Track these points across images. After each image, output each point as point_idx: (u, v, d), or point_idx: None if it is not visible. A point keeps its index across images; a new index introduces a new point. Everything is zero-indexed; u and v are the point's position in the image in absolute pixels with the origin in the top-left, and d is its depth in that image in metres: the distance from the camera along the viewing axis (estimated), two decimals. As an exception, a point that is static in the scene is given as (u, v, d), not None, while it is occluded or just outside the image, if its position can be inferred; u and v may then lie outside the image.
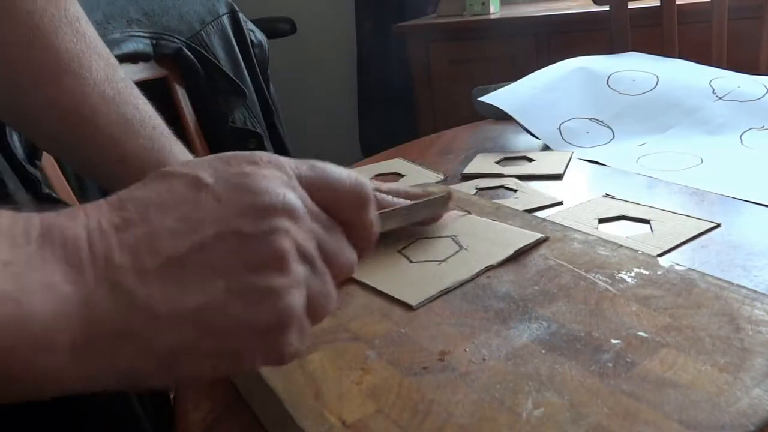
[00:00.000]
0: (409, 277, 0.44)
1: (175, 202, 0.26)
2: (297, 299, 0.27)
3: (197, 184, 0.27)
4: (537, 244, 0.46)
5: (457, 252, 0.47)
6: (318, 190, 0.30)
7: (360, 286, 0.44)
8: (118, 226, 0.25)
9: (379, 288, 0.43)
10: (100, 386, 0.25)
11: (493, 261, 0.44)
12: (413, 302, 0.41)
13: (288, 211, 0.27)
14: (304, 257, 0.28)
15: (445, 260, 0.46)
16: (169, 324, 0.24)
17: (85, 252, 0.24)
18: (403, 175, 0.74)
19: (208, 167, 0.28)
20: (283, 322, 0.27)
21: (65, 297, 0.23)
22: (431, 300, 0.41)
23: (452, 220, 0.52)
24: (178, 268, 0.25)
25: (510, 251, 0.45)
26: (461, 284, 0.42)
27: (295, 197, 0.28)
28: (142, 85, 0.97)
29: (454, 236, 0.49)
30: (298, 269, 0.27)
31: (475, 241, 0.48)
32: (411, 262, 0.46)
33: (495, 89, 0.87)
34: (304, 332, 0.28)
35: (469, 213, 0.53)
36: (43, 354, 0.23)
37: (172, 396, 0.75)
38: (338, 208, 0.31)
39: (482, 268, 0.44)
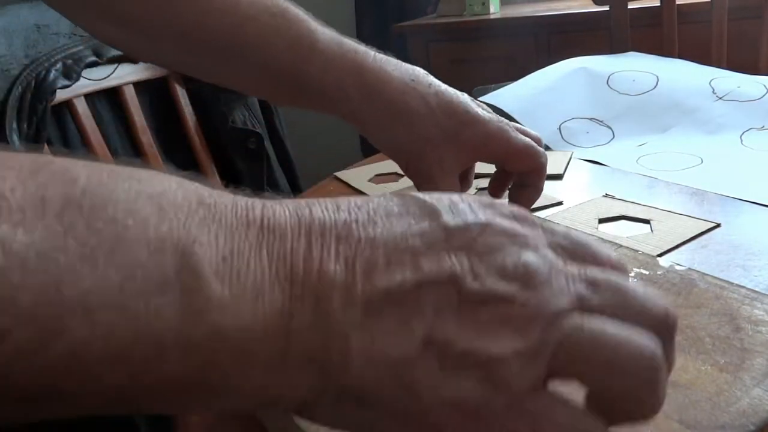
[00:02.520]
0: None
1: (405, 230, 0.23)
2: (519, 378, 0.21)
3: (437, 220, 0.23)
4: None
5: None
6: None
7: None
8: (340, 235, 0.22)
9: None
10: (268, 404, 0.21)
11: None
12: None
13: (523, 276, 0.22)
14: (550, 321, 0.22)
15: None
16: (358, 364, 0.21)
17: (291, 258, 0.21)
18: (403, 175, 0.74)
19: (454, 207, 0.24)
20: (483, 409, 0.21)
21: (270, 306, 0.20)
22: None
23: None
24: (385, 303, 0.21)
25: None
26: None
27: (535, 258, 0.23)
28: (142, 85, 0.97)
29: None
30: (534, 336, 0.22)
31: None
32: None
33: (495, 89, 0.87)
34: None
35: None
36: (231, 367, 0.20)
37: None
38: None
39: None
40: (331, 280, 0.21)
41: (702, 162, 0.68)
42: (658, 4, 1.27)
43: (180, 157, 1.03)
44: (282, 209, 0.22)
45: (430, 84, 0.51)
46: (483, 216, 0.24)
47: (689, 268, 0.40)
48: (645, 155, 0.71)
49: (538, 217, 0.27)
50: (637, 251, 0.44)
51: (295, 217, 0.22)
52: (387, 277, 0.21)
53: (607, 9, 1.28)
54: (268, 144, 1.12)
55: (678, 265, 0.41)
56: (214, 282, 0.19)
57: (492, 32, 1.72)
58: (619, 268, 0.25)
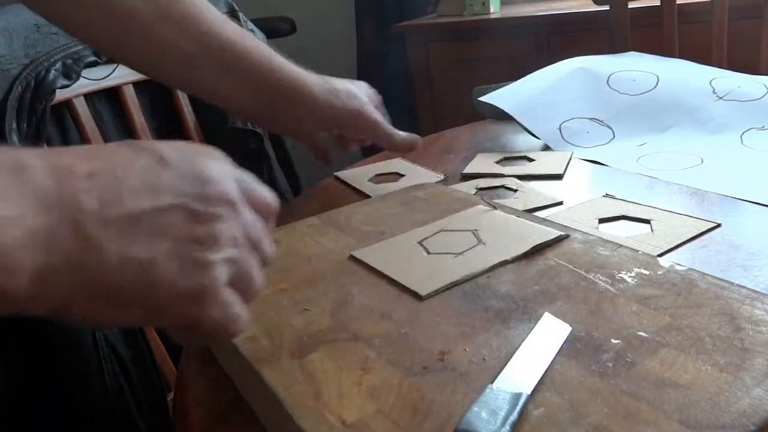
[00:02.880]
0: (424, 268, 0.44)
1: (141, 169, 0.30)
2: (221, 275, 0.31)
3: (162, 160, 0.31)
4: (556, 241, 0.46)
5: (475, 246, 0.47)
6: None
7: (374, 273, 0.45)
8: (88, 174, 0.29)
9: (392, 276, 0.44)
10: (46, 310, 0.28)
11: (508, 256, 0.45)
12: (423, 292, 0.41)
13: (230, 203, 0.33)
14: (235, 242, 0.32)
15: (461, 253, 0.46)
16: (116, 268, 0.28)
17: (54, 191, 0.27)
18: (403, 175, 0.74)
19: (174, 150, 0.32)
20: (204, 292, 0.30)
21: (32, 230, 0.26)
22: (441, 291, 0.41)
23: (477, 214, 0.53)
24: (135, 223, 0.29)
25: (526, 247, 0.45)
26: (473, 277, 0.43)
27: (237, 192, 0.33)
28: (142, 84, 0.97)
29: (476, 230, 0.49)
30: (228, 252, 0.32)
31: (495, 235, 0.48)
32: (428, 253, 0.47)
33: (495, 89, 0.87)
34: (227, 306, 0.32)
35: (495, 208, 0.53)
36: (7, 277, 0.26)
37: (170, 397, 0.75)
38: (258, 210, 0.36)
39: (496, 262, 0.44)
40: (85, 208, 0.28)
41: (702, 162, 0.68)
42: (658, 4, 1.27)
43: (180, 157, 1.03)
44: (30, 153, 0.28)
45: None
46: (195, 154, 0.33)
47: (689, 268, 0.40)
48: (645, 155, 0.71)
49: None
50: (637, 251, 0.44)
51: (44, 159, 0.28)
52: (133, 204, 0.29)
53: (607, 9, 1.28)
54: (268, 144, 1.12)
55: (678, 265, 0.41)
56: None
57: (492, 32, 1.72)
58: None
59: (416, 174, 0.74)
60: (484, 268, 0.44)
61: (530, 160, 0.74)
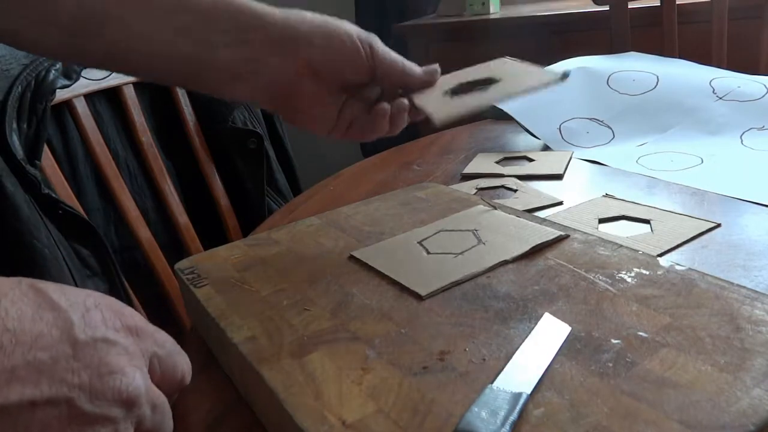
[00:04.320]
0: (424, 268, 0.44)
1: (34, 340, 0.25)
2: None
3: (68, 332, 0.26)
4: (556, 241, 0.46)
5: (475, 246, 0.47)
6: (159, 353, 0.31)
7: (374, 273, 0.45)
8: None
9: (392, 276, 0.44)
10: None
11: (508, 256, 0.45)
12: (423, 292, 0.41)
13: (129, 402, 0.27)
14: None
15: (461, 253, 0.46)
16: None
17: None
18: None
19: (86, 317, 0.27)
20: None
21: None
22: (441, 291, 0.41)
23: (477, 214, 0.53)
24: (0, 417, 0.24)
25: (526, 247, 0.45)
26: (473, 277, 0.43)
27: (138, 385, 0.28)
28: (142, 84, 0.97)
29: (476, 230, 0.49)
30: None
31: (495, 235, 0.48)
32: (428, 253, 0.47)
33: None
34: None
35: (495, 208, 0.53)
36: None
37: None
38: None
39: (496, 262, 0.44)
40: None
41: (702, 162, 0.68)
42: (658, 4, 1.27)
43: (180, 157, 1.03)
44: None
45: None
46: (111, 333, 0.27)
47: (689, 268, 0.40)
48: (645, 155, 0.71)
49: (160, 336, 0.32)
50: (637, 251, 0.44)
51: None
52: (5, 394, 0.23)
53: (607, 9, 1.28)
54: (268, 144, 1.12)
55: (678, 265, 0.41)
56: None
57: (492, 32, 1.72)
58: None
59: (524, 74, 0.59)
60: (484, 268, 0.44)
61: (530, 160, 0.74)
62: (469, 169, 0.73)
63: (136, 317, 0.30)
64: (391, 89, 0.53)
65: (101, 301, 0.28)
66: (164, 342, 0.31)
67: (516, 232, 0.48)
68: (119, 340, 0.27)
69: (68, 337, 0.26)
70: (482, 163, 0.74)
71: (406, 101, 0.52)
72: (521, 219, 0.51)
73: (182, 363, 0.32)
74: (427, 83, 0.54)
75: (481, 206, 0.54)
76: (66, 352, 0.25)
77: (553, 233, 0.47)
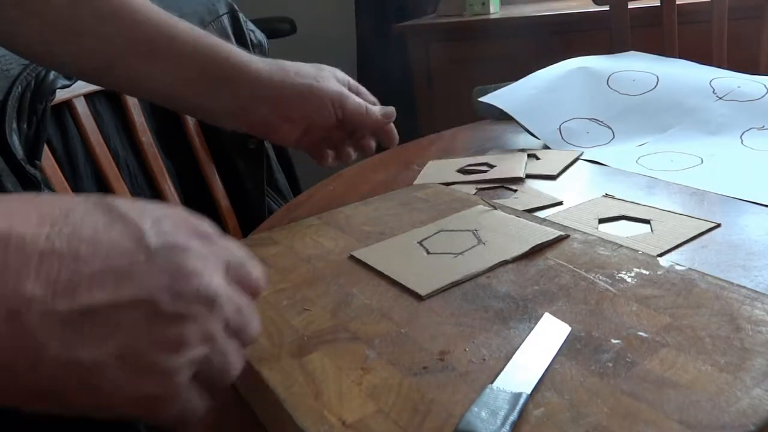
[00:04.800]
0: (424, 268, 0.44)
1: (110, 249, 0.26)
2: (181, 378, 0.27)
3: (139, 241, 0.26)
4: (556, 241, 0.46)
5: (475, 246, 0.47)
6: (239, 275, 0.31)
7: (374, 273, 0.45)
8: (43, 252, 0.24)
9: (392, 276, 0.44)
10: None
11: (508, 256, 0.45)
12: (423, 292, 0.41)
13: (209, 301, 0.28)
14: (208, 339, 0.28)
15: (461, 253, 0.46)
16: (55, 370, 0.24)
17: None
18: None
19: (156, 226, 0.27)
20: (156, 399, 0.27)
21: None
22: (441, 291, 0.41)
23: (477, 214, 0.53)
24: (86, 318, 0.24)
25: (526, 247, 0.45)
26: (473, 277, 0.43)
27: (218, 285, 0.28)
28: (142, 85, 0.97)
29: (476, 230, 0.49)
30: (198, 350, 0.27)
31: (495, 235, 0.48)
32: (428, 253, 0.47)
33: (495, 89, 0.87)
34: (184, 404, 0.28)
35: (495, 208, 0.53)
36: None
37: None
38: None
39: (496, 262, 0.44)
40: (29, 297, 0.23)
41: (702, 162, 0.68)
42: (658, 4, 1.27)
43: (180, 157, 1.03)
44: None
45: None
46: (183, 239, 0.28)
47: (689, 268, 0.40)
48: (645, 155, 0.71)
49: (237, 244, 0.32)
50: (637, 251, 0.44)
51: None
52: (88, 296, 0.24)
53: (607, 9, 1.28)
54: (268, 144, 1.12)
55: (678, 265, 0.41)
56: None
57: (492, 32, 1.72)
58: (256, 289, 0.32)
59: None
60: (484, 268, 0.44)
61: (537, 158, 0.74)
62: (421, 179, 0.70)
63: (205, 225, 0.30)
64: (355, 129, 0.67)
65: (169, 212, 0.29)
66: (235, 250, 0.31)
67: (516, 232, 0.48)
68: (192, 246, 0.28)
69: (142, 246, 0.26)
70: (439, 172, 0.72)
71: (352, 152, 0.69)
72: (521, 219, 0.51)
73: (255, 269, 0.31)
74: (384, 123, 0.66)
75: (481, 206, 0.54)
76: (141, 258, 0.26)
77: (553, 233, 0.47)
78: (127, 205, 0.28)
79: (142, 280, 0.26)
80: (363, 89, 0.67)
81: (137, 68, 0.57)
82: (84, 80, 0.63)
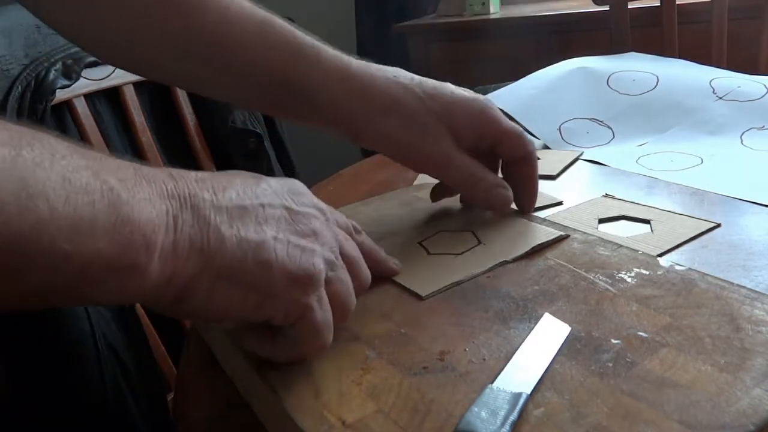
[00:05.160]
0: (424, 269, 0.44)
1: (239, 181, 0.35)
2: (323, 266, 0.34)
3: (256, 177, 0.36)
4: (557, 241, 0.46)
5: (475, 246, 0.47)
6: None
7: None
8: (197, 179, 0.33)
9: (392, 277, 0.43)
10: (172, 296, 0.31)
11: (509, 256, 0.45)
12: (423, 293, 0.41)
13: (322, 211, 0.37)
14: (332, 244, 0.36)
15: (461, 253, 0.46)
16: (233, 248, 0.31)
17: (171, 187, 0.31)
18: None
19: (295, 198, 0.36)
20: (310, 277, 0.33)
21: (161, 210, 0.30)
22: (441, 292, 0.41)
23: (477, 214, 0.53)
24: (243, 211, 0.33)
25: (526, 248, 0.45)
26: (473, 277, 0.43)
27: (326, 208, 0.38)
28: (142, 84, 0.97)
29: (475, 230, 0.49)
30: (327, 249, 0.35)
31: (495, 235, 0.48)
32: (429, 254, 0.47)
33: (495, 89, 0.87)
34: (324, 309, 0.34)
35: None
36: (145, 252, 0.29)
37: (170, 398, 0.75)
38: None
39: (496, 263, 0.44)
40: (203, 198, 0.32)
41: (702, 162, 0.68)
42: (658, 4, 1.27)
43: (180, 157, 1.03)
44: (140, 163, 0.32)
45: (412, 77, 0.52)
46: (314, 210, 0.37)
47: (689, 268, 0.40)
48: (645, 155, 0.71)
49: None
50: (637, 251, 0.44)
51: (154, 169, 0.32)
52: (239, 199, 0.33)
53: (607, 9, 1.28)
54: (268, 144, 1.12)
55: (678, 265, 0.41)
56: (123, 192, 0.29)
57: (492, 32, 1.72)
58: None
59: None
60: (484, 268, 0.44)
61: (537, 158, 0.74)
62: (421, 179, 0.70)
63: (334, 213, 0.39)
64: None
65: (300, 188, 0.38)
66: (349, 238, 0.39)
67: (516, 232, 0.48)
68: (318, 216, 0.36)
69: (287, 208, 0.35)
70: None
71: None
72: (521, 219, 0.51)
73: (365, 272, 0.39)
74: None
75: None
76: (285, 214, 0.35)
77: (553, 233, 0.47)
78: (267, 179, 0.37)
79: (269, 194, 0.35)
80: None
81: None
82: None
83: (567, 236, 0.47)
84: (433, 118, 0.49)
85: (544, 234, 0.47)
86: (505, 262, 0.44)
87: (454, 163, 0.50)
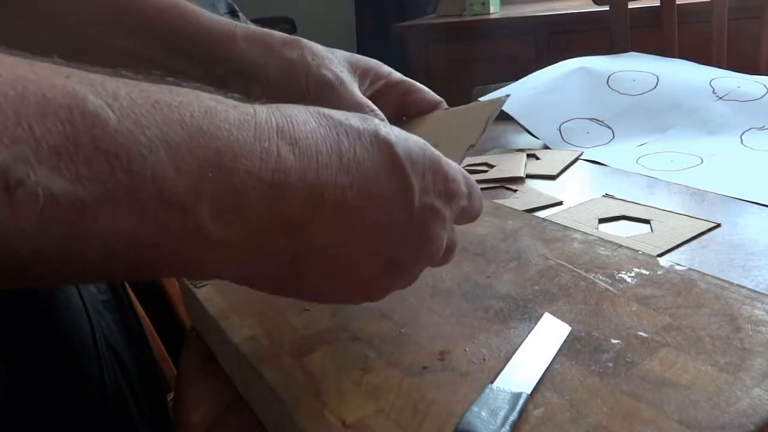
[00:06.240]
0: None
1: (385, 201, 0.30)
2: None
3: (409, 201, 0.31)
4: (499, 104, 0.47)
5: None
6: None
7: None
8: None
9: None
10: (284, 243, 0.28)
11: (471, 141, 0.45)
12: None
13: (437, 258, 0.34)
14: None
15: None
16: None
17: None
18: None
19: (421, 181, 0.31)
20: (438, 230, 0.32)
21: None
22: None
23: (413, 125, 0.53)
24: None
25: (481, 127, 0.46)
26: None
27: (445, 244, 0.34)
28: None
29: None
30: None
31: (445, 134, 0.48)
32: None
33: (495, 89, 0.87)
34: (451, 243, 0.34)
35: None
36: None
37: (170, 398, 0.75)
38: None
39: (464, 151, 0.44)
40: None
41: (702, 162, 0.68)
42: (658, 4, 1.27)
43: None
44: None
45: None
46: (438, 201, 0.32)
47: (689, 268, 0.40)
48: (645, 155, 0.71)
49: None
50: (637, 251, 0.44)
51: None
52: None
53: (607, 9, 1.28)
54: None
55: (678, 265, 0.41)
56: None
57: (492, 32, 1.72)
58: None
59: None
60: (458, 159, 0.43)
61: (537, 158, 0.74)
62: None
63: (456, 180, 0.34)
64: None
65: (429, 161, 0.32)
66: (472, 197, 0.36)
67: (457, 124, 0.49)
68: (441, 209, 0.32)
69: (407, 205, 0.30)
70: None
71: None
72: (451, 109, 0.52)
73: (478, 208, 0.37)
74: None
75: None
76: (404, 218, 0.30)
77: (489, 102, 0.48)
78: (402, 146, 0.31)
79: (394, 235, 0.31)
80: None
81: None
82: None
83: (506, 96, 0.49)
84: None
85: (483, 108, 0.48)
86: (471, 147, 0.45)
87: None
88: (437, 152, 0.33)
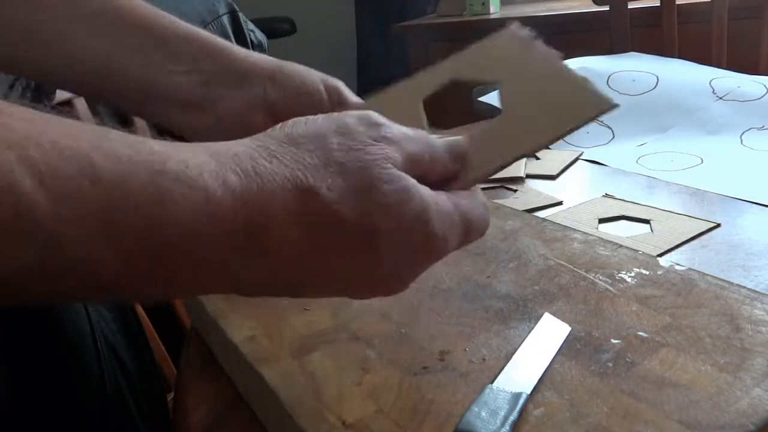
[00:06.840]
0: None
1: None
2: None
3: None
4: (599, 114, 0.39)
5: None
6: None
7: None
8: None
9: None
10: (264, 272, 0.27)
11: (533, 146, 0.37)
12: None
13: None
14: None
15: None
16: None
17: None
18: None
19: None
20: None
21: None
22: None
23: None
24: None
25: (563, 128, 0.38)
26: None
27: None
28: (142, 85, 0.97)
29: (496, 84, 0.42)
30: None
31: (524, 98, 0.41)
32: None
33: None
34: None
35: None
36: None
37: (170, 398, 0.75)
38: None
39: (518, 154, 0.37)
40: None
41: (702, 162, 0.68)
42: (658, 4, 1.27)
43: (180, 157, 1.03)
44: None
45: None
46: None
47: (689, 268, 0.41)
48: (645, 155, 0.71)
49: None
50: (637, 251, 0.44)
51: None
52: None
53: (607, 9, 1.28)
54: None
55: (678, 265, 0.41)
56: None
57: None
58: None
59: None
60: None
61: (537, 158, 0.74)
62: None
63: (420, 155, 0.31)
64: None
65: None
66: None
67: (547, 98, 0.41)
68: (411, 193, 0.29)
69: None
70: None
71: None
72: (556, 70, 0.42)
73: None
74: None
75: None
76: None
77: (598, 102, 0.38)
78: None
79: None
80: None
81: (75, 36, 0.46)
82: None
83: (616, 105, 0.38)
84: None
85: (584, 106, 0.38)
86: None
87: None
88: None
